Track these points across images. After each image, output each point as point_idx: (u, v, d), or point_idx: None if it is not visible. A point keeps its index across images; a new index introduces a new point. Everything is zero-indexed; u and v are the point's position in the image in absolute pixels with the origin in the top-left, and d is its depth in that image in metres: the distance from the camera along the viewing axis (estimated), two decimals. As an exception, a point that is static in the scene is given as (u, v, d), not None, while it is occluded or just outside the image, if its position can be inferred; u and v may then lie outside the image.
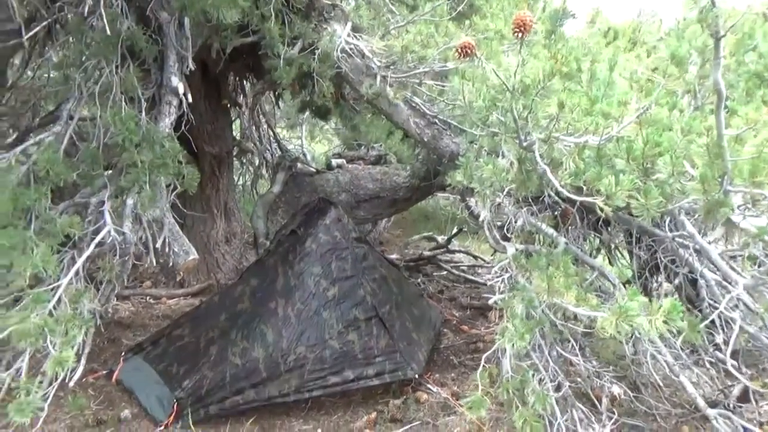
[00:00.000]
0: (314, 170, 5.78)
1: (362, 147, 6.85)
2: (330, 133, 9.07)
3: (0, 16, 2.89)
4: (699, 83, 2.62)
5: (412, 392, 3.52)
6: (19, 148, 2.67)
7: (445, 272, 6.23)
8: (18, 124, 5.27)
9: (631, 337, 2.71)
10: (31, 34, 2.79)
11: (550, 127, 2.35)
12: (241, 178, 7.32)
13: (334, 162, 5.91)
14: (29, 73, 4.27)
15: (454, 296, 5.55)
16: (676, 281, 3.26)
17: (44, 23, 2.85)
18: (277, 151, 6.51)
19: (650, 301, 2.15)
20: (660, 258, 3.29)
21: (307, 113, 6.12)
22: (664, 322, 2.02)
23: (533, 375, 2.67)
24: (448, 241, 6.59)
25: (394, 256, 6.35)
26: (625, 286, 2.97)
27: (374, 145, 6.35)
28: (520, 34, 2.06)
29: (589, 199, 2.19)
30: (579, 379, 3.14)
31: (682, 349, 2.76)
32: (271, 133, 6.60)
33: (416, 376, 3.44)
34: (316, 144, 9.57)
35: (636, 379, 3.36)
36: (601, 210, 2.16)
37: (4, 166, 2.54)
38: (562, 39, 2.67)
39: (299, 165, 5.73)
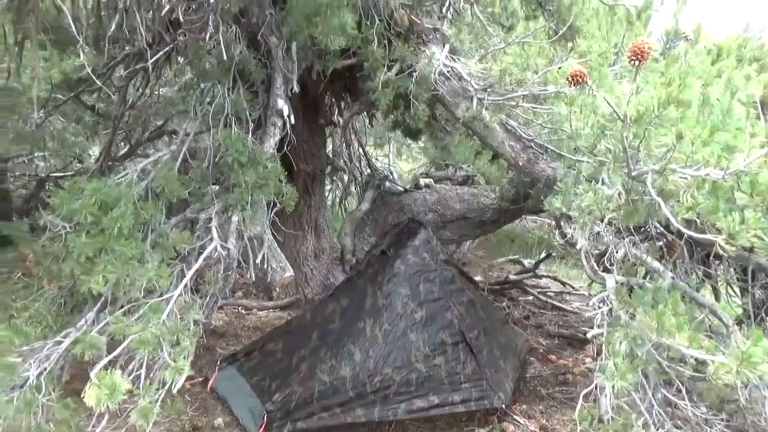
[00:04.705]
0: (402, 189, 5.80)
1: (450, 167, 6.81)
2: (416, 152, 9.11)
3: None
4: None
5: (498, 422, 3.43)
6: (139, 166, 2.87)
7: (531, 297, 6.05)
8: (130, 137, 5.70)
9: (747, 383, 2.50)
10: (155, 58, 3.01)
11: (666, 158, 2.23)
12: (330, 195, 7.49)
13: (422, 181, 5.90)
14: (147, 92, 4.60)
15: (540, 323, 5.37)
16: (797, 324, 2.99)
17: (166, 48, 3.06)
18: (367, 169, 6.60)
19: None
20: (779, 298, 3.04)
21: (397, 132, 6.19)
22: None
23: (636, 417, 2.52)
24: (536, 265, 6.38)
25: (478, 278, 6.24)
26: (738, 326, 2.76)
27: (462, 165, 6.29)
28: (636, 62, 1.98)
29: (710, 237, 2.04)
30: (683, 425, 2.93)
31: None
32: (361, 151, 6.71)
33: (503, 405, 3.34)
34: (402, 162, 9.64)
35: (749, 429, 3.10)
36: (723, 249, 2.01)
37: (126, 181, 2.75)
38: (676, 63, 2.53)
39: (387, 183, 5.78)
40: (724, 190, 2.25)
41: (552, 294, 6.19)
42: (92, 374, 1.98)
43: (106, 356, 2.22)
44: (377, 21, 3.32)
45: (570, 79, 2.18)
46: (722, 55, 5.24)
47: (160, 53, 3.06)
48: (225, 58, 2.89)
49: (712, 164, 2.17)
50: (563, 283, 6.47)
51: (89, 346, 2.13)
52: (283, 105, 3.08)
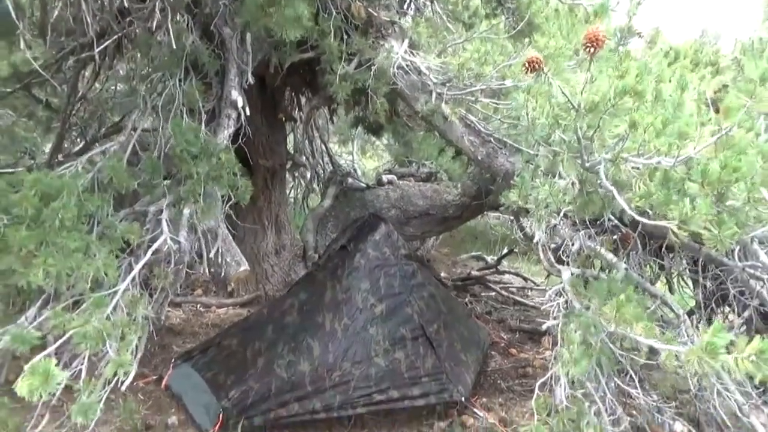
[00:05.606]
0: (365, 185, 5.77)
1: (413, 163, 6.82)
2: (381, 149, 9.10)
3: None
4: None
5: (457, 415, 3.43)
6: (85, 156, 2.76)
7: (493, 293, 6.09)
8: (85, 133, 5.51)
9: (696, 372, 2.56)
10: (101, 47, 2.90)
11: (618, 148, 2.25)
12: (292, 191, 7.42)
13: (385, 178, 5.89)
14: (97, 85, 4.44)
15: (502, 318, 5.41)
16: (746, 313, 3.07)
17: (114, 37, 2.96)
18: (329, 165, 6.56)
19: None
20: (728, 288, 3.11)
21: (360, 128, 6.17)
22: (752, 362, 1.88)
23: (589, 406, 2.54)
24: (498, 261, 6.44)
25: (441, 275, 6.25)
26: (689, 317, 2.81)
27: (425, 161, 6.31)
28: (591, 50, 1.99)
29: (663, 223, 2.06)
30: (636, 413, 2.98)
31: (753, 387, 2.57)
32: (323, 148, 6.66)
33: (462, 399, 3.35)
34: (367, 159, 9.62)
35: (699, 417, 3.17)
36: (675, 235, 2.03)
37: (72, 173, 2.64)
38: (630, 57, 2.57)
39: (350, 180, 5.75)
40: (675, 181, 2.29)
41: (514, 289, 6.24)
42: (26, 366, 1.87)
43: (48, 350, 2.11)
44: (334, 13, 3.28)
45: (527, 65, 2.18)
46: (679, 57, 5.37)
47: (108, 42, 2.95)
48: (175, 47, 2.80)
49: (663, 153, 2.20)
50: (525, 279, 6.54)
51: (22, 342, 2.03)
52: (237, 96, 3.01)
